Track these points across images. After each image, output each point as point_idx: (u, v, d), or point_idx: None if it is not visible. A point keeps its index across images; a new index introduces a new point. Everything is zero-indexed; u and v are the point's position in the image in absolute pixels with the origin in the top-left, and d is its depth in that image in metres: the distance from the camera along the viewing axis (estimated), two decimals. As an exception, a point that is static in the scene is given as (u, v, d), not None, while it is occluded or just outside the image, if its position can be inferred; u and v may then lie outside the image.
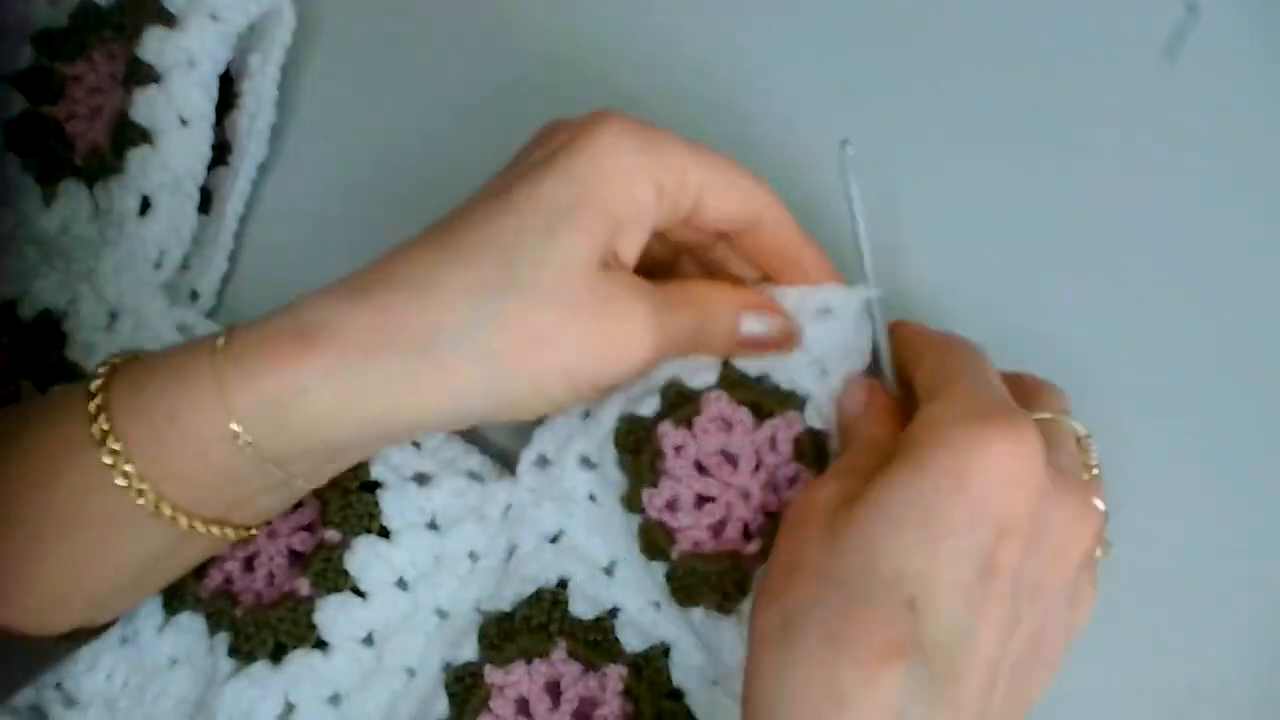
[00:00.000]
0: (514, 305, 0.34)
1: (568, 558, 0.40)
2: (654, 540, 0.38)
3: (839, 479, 0.35)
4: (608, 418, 0.39)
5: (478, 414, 0.36)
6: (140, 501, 0.35)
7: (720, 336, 0.38)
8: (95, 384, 0.36)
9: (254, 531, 0.40)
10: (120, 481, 0.35)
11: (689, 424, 0.37)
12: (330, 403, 0.34)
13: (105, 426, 0.35)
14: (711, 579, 0.37)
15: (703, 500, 0.37)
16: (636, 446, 0.38)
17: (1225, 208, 0.44)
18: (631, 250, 0.37)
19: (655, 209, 0.36)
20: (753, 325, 0.38)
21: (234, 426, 0.34)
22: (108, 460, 0.35)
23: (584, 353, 0.35)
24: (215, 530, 0.37)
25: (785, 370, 0.38)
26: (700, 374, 0.38)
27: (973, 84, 0.47)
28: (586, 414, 0.40)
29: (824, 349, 0.38)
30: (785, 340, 0.38)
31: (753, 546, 0.37)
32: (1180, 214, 0.44)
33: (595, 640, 0.39)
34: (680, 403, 0.38)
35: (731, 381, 0.38)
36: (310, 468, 0.37)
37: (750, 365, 0.38)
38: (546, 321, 0.34)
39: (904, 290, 0.43)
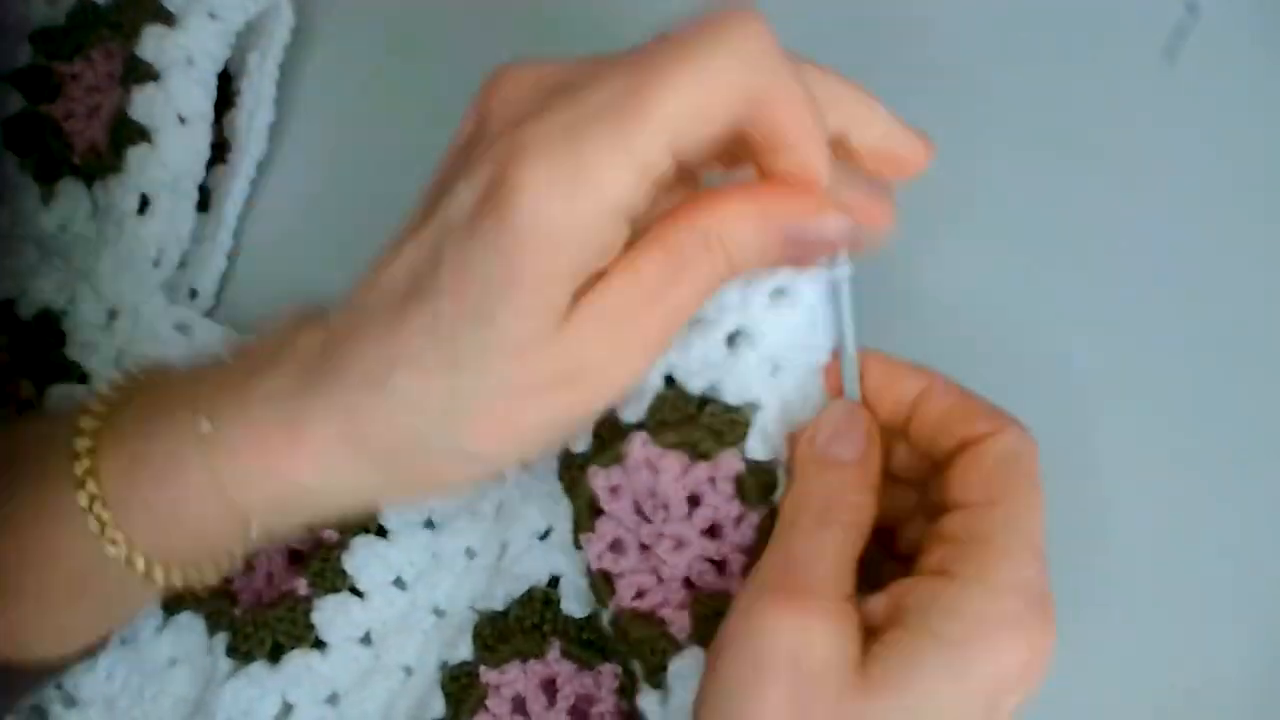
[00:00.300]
0: (473, 403, 0.32)
1: (558, 554, 0.40)
2: (596, 588, 0.37)
3: (833, 613, 0.31)
4: None
5: (475, 484, 0.37)
6: (153, 583, 0.35)
7: (743, 251, 0.32)
8: (83, 464, 0.34)
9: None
10: (113, 551, 0.34)
11: (621, 463, 0.35)
12: (326, 496, 0.34)
13: (103, 517, 0.34)
14: (640, 646, 0.35)
15: (643, 546, 0.36)
16: (572, 487, 0.37)
17: (1225, 207, 0.44)
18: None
19: (626, 225, 0.31)
20: (799, 228, 0.32)
21: (244, 521, 0.34)
22: (110, 551, 0.34)
23: (561, 412, 0.33)
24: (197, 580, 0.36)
25: (735, 377, 0.34)
26: (632, 404, 0.35)
27: (972, 84, 0.47)
28: None
29: (777, 342, 0.34)
30: (849, 237, 0.33)
31: (680, 621, 0.35)
32: (1180, 214, 0.44)
33: (589, 639, 0.39)
34: (610, 440, 0.36)
35: (660, 419, 0.35)
36: (294, 530, 0.37)
37: (696, 379, 0.35)
38: (510, 407, 0.32)
39: (901, 289, 0.43)
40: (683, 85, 0.29)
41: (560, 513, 0.40)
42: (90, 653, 0.39)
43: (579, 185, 0.29)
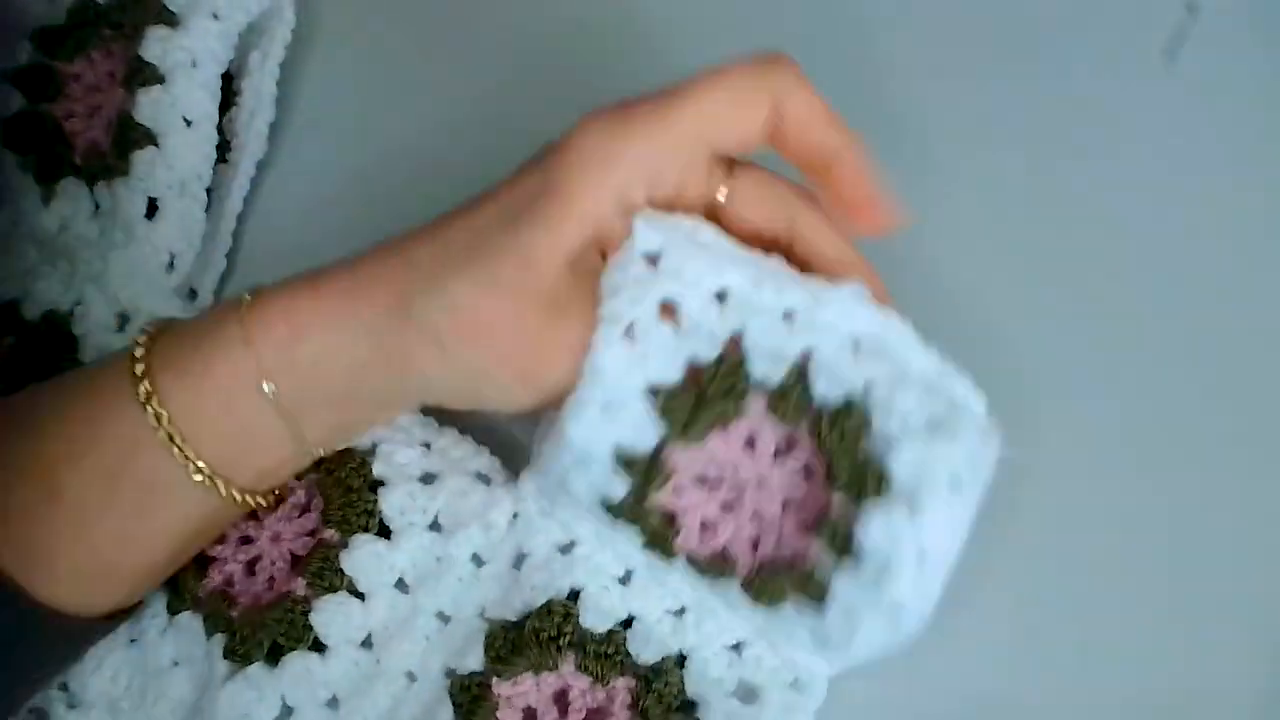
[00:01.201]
0: (468, 288, 0.35)
1: (580, 568, 0.39)
2: (712, 572, 0.37)
3: None
4: (585, 499, 0.37)
5: (440, 390, 0.38)
6: (184, 464, 0.37)
7: None
8: (139, 350, 0.37)
9: (272, 498, 0.41)
10: (163, 439, 0.37)
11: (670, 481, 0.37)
12: (324, 347, 0.37)
13: (148, 386, 0.37)
14: (789, 582, 0.37)
15: (726, 507, 0.37)
16: (636, 519, 0.37)
17: (1225, 208, 0.44)
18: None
19: (643, 195, 0.36)
20: None
21: (258, 373, 0.37)
22: (153, 424, 0.36)
23: (529, 350, 0.36)
24: (238, 497, 0.39)
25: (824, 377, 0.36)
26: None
27: (972, 84, 0.47)
28: (560, 485, 0.38)
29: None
30: None
31: (816, 546, 0.36)
32: (1179, 214, 0.44)
33: (606, 653, 0.38)
34: (651, 470, 0.37)
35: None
36: (322, 426, 0.39)
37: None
38: (494, 311, 0.35)
39: (899, 289, 0.43)
40: (714, 89, 0.36)
41: (584, 529, 0.40)
42: (111, 621, 0.40)
43: (619, 140, 0.35)
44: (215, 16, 0.46)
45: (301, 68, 0.50)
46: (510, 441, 0.42)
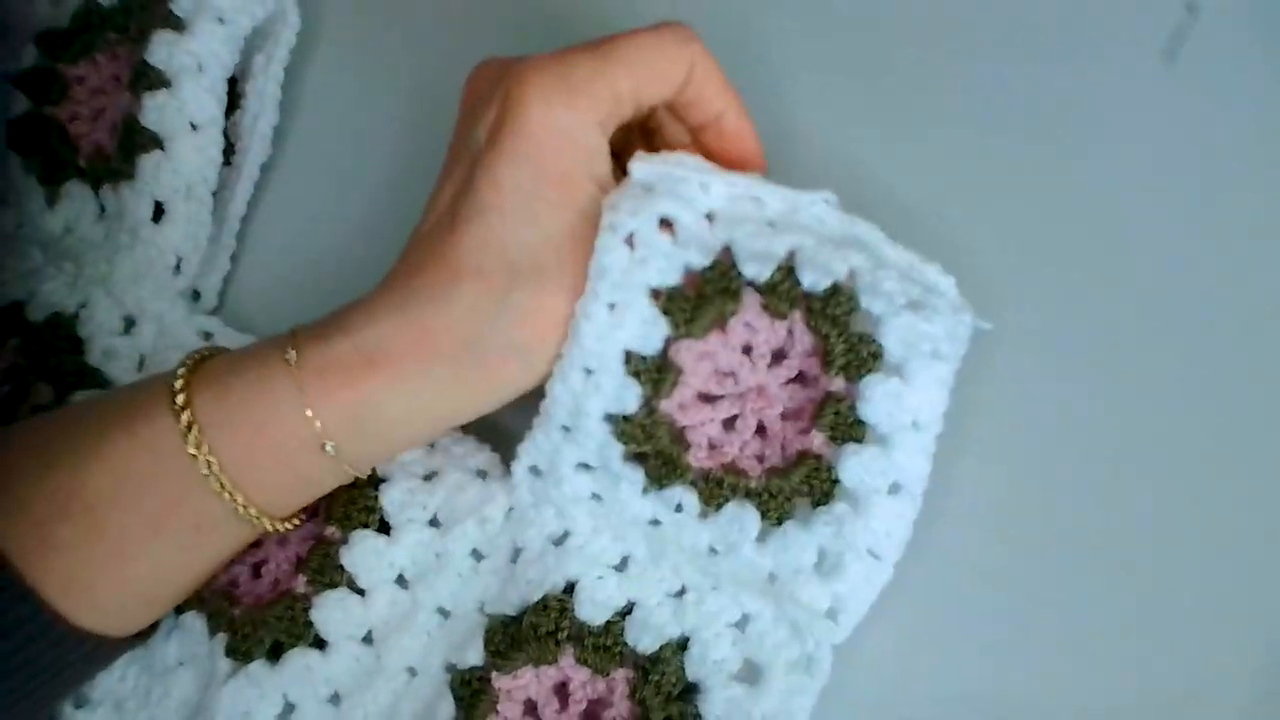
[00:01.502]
0: (523, 295, 0.37)
1: (575, 560, 0.40)
2: (717, 489, 0.38)
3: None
4: (595, 428, 0.38)
5: (520, 390, 0.39)
6: (233, 507, 0.38)
7: None
8: (179, 397, 0.37)
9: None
10: (215, 487, 0.37)
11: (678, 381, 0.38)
12: (400, 410, 0.38)
13: (198, 436, 0.37)
14: (797, 481, 0.38)
15: (729, 422, 0.39)
16: (650, 435, 0.38)
17: (1224, 208, 0.44)
18: (607, 169, 0.39)
19: (605, 139, 0.38)
20: None
21: (321, 436, 0.37)
22: (204, 471, 0.37)
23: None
24: (281, 527, 0.40)
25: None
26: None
27: (972, 84, 0.47)
28: (566, 428, 0.39)
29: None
30: None
31: (819, 439, 0.38)
32: (1179, 214, 0.44)
33: (604, 645, 0.39)
34: (662, 369, 0.38)
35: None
36: (379, 461, 0.41)
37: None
38: (553, 300, 0.37)
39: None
40: (645, 48, 0.38)
41: (579, 514, 0.40)
42: (140, 639, 0.41)
43: (573, 95, 0.37)
44: (220, 20, 0.46)
45: (305, 71, 0.50)
46: (508, 439, 0.42)
